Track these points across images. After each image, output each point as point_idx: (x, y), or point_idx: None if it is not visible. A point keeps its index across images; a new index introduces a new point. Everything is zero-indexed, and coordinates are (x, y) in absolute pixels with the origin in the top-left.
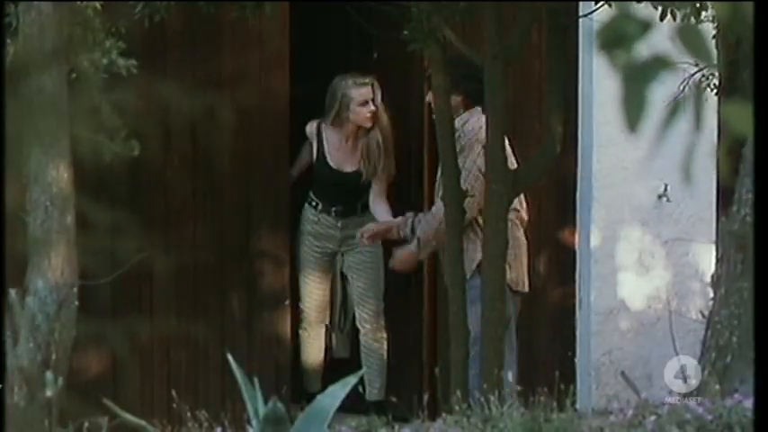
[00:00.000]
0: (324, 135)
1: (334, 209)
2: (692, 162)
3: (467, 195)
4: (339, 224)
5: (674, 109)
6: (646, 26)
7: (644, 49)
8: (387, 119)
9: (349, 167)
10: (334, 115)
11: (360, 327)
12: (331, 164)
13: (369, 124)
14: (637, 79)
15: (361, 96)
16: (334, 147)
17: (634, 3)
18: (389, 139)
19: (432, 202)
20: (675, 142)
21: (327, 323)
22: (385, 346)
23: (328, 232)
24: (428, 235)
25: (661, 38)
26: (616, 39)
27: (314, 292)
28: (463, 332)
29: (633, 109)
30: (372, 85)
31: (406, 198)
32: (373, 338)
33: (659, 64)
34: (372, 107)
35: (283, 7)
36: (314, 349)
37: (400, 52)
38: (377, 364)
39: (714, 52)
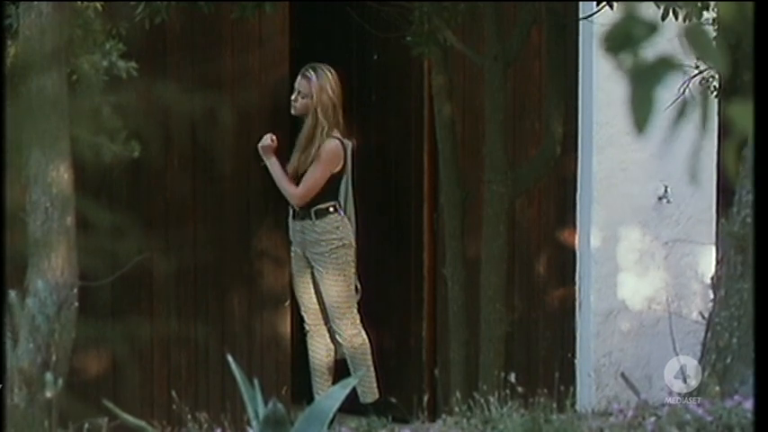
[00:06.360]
0: None
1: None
2: (699, 163)
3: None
4: (298, 227)
5: (682, 110)
6: (653, 28)
7: (648, 50)
8: (312, 111)
9: None
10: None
11: (337, 337)
12: None
13: (293, 112)
14: (644, 81)
15: (296, 85)
16: None
17: (639, 4)
18: (305, 135)
19: (431, 202)
20: (675, 144)
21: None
22: (365, 350)
23: (296, 236)
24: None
25: (662, 39)
26: (623, 40)
27: (303, 296)
28: (463, 332)
29: (641, 110)
30: (306, 75)
31: (404, 197)
32: (350, 345)
33: (666, 65)
34: (293, 96)
35: (283, 7)
36: (319, 352)
37: (400, 53)
38: (360, 370)
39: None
